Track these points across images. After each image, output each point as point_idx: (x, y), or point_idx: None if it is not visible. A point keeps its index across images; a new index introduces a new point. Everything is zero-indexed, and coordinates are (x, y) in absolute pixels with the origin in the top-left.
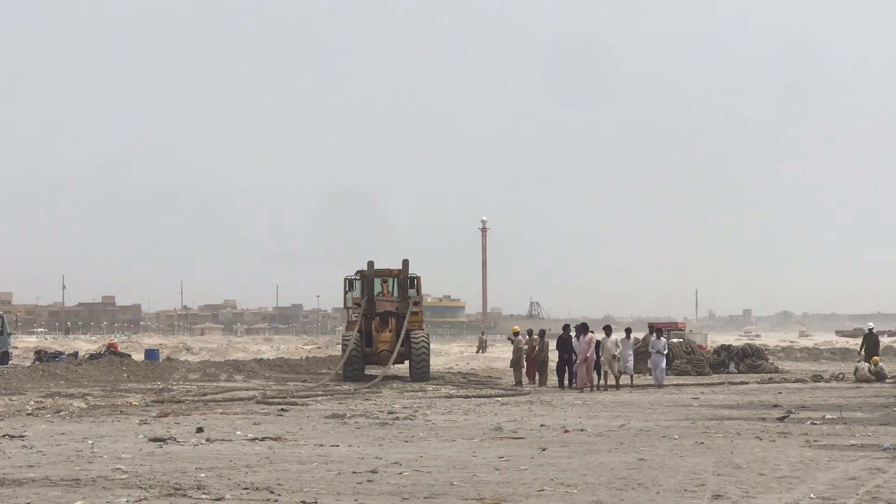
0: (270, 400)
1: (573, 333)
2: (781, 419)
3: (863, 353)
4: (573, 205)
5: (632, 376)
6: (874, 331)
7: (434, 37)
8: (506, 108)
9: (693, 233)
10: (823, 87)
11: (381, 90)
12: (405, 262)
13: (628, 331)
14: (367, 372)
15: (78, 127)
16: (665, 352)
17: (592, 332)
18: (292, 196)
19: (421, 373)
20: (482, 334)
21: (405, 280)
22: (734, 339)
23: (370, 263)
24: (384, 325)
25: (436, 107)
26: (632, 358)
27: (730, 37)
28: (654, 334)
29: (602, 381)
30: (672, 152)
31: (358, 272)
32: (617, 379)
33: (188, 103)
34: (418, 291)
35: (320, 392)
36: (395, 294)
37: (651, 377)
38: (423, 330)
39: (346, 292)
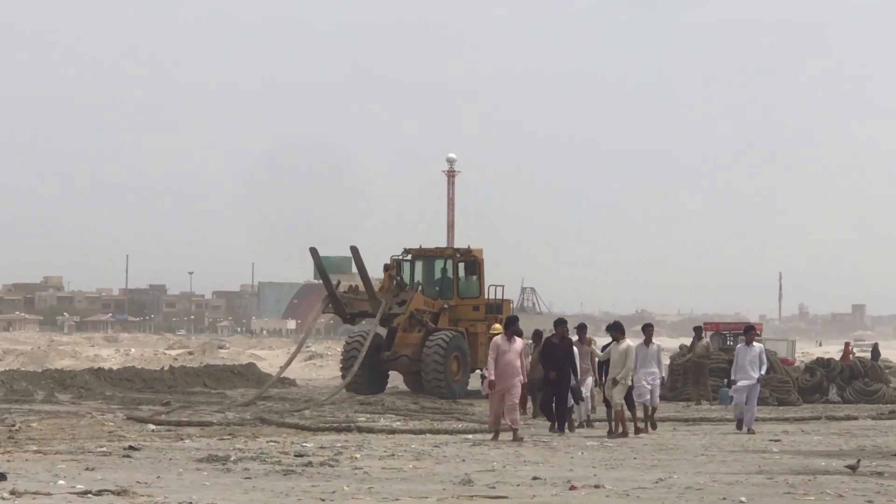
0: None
1: (575, 337)
2: (852, 468)
3: None
4: (587, 139)
5: (652, 409)
6: None
7: None
8: None
9: (777, 192)
10: None
11: None
12: (353, 250)
13: (649, 330)
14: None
15: None
16: (765, 369)
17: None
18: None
19: (431, 386)
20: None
21: (362, 268)
22: (836, 351)
23: (354, 249)
24: (412, 325)
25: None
26: (657, 378)
27: None
28: (745, 338)
29: (581, 418)
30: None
31: (407, 250)
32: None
33: None
34: (480, 279)
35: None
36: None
37: (727, 406)
38: (450, 330)
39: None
